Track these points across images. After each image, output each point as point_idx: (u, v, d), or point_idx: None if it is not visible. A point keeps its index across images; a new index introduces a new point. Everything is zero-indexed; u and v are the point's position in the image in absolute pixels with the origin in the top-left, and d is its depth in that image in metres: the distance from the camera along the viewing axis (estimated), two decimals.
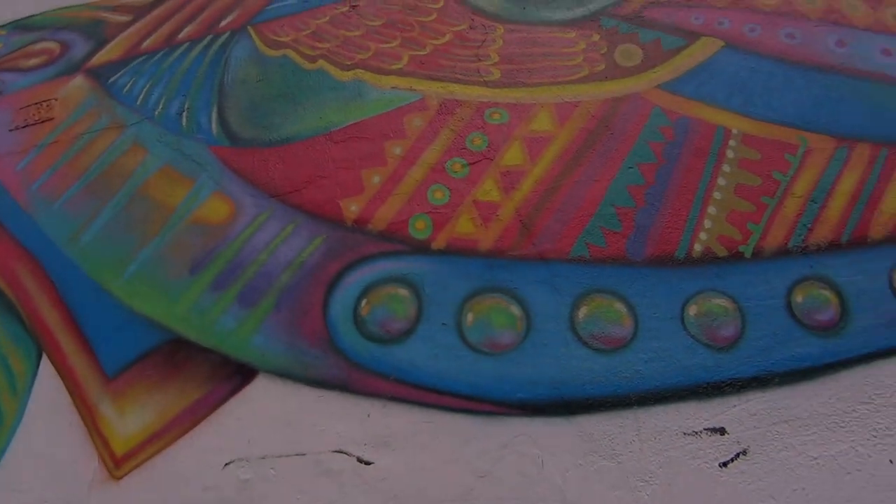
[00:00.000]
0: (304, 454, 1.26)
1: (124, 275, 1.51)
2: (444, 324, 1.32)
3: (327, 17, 1.87)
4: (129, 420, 1.35)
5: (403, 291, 1.36)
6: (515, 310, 1.31)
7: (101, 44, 1.96)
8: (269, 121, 1.67)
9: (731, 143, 1.47)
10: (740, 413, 1.20)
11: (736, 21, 1.68)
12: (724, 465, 1.17)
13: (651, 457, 1.19)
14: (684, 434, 1.20)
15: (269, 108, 1.69)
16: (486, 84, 1.64)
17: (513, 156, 1.51)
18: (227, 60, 1.82)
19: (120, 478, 1.31)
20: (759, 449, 1.18)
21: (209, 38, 1.90)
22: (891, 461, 1.15)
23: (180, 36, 1.92)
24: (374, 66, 1.73)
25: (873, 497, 1.13)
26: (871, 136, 1.45)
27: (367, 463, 1.24)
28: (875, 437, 1.17)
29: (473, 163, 1.51)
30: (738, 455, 1.18)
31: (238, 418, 1.31)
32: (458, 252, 1.39)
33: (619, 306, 1.30)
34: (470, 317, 1.32)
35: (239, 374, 1.35)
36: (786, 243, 1.34)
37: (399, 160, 1.54)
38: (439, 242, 1.41)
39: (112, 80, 1.86)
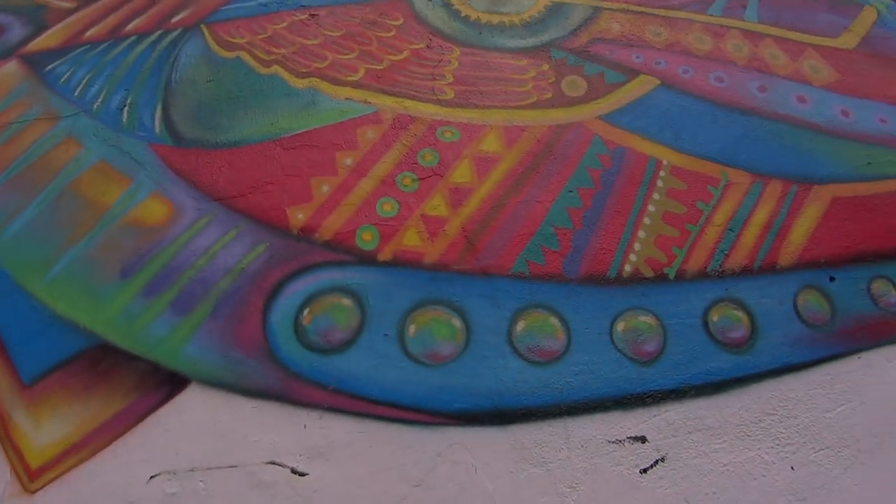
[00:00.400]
0: (235, 466, 1.22)
1: (48, 275, 1.41)
2: (386, 334, 1.33)
3: (285, 23, 1.86)
4: (46, 430, 1.25)
5: (347, 301, 1.35)
6: (457, 322, 1.34)
7: (40, 29, 1.84)
8: (216, 122, 1.62)
9: (662, 173, 1.58)
10: (660, 423, 1.28)
11: (672, 62, 1.82)
12: (645, 471, 1.24)
13: (578, 464, 1.24)
14: (609, 442, 1.26)
15: (217, 109, 1.64)
16: (439, 102, 1.68)
17: (462, 173, 1.55)
18: (177, 57, 1.77)
19: (34, 492, 1.21)
20: (675, 456, 1.25)
21: (159, 32, 1.83)
22: (792, 468, 1.26)
23: (128, 28, 1.85)
24: (330, 76, 1.73)
25: (776, 501, 1.23)
26: (783, 174, 1.60)
27: (302, 474, 1.22)
28: (778, 445, 1.28)
29: (423, 178, 1.54)
30: (657, 462, 1.25)
31: (166, 429, 1.25)
32: (403, 264, 1.41)
33: (554, 321, 1.36)
34: (412, 328, 1.33)
35: (169, 383, 1.29)
36: (705, 267, 1.46)
37: (349, 171, 1.55)
38: (385, 254, 1.42)
39: (49, 68, 1.75)
